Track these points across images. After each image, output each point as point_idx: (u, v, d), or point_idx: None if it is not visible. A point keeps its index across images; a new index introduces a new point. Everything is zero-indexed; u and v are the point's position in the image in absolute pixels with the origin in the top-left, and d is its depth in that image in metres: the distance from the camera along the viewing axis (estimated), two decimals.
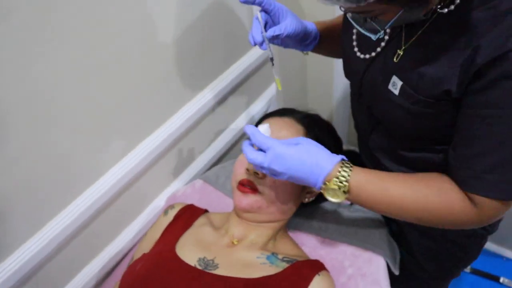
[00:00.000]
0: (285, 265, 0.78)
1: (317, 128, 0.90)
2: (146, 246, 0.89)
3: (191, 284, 0.73)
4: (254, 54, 1.25)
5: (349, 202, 0.95)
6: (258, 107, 1.35)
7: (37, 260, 0.79)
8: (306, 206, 0.94)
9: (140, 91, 0.92)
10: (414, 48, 0.66)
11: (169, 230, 0.89)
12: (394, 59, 0.69)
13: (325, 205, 0.99)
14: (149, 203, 1.06)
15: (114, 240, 0.98)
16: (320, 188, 0.70)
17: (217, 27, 1.09)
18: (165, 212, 0.95)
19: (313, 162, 0.68)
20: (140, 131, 0.96)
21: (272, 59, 0.79)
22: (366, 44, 0.75)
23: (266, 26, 0.78)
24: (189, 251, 0.81)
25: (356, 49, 0.77)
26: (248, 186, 0.82)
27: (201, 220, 0.91)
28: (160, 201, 1.07)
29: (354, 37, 0.78)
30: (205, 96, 1.10)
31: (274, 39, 0.78)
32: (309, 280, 0.75)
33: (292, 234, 0.95)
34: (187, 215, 0.92)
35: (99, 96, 0.83)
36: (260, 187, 0.82)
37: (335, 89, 1.59)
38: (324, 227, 0.94)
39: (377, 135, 0.84)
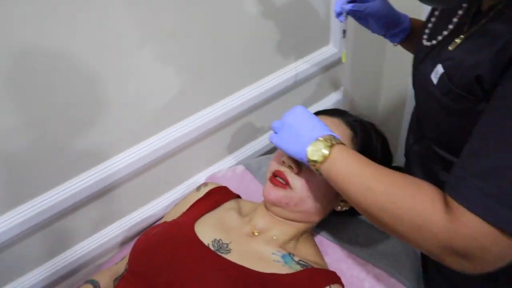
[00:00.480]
0: (298, 268, 0.75)
1: (366, 136, 0.85)
2: (170, 217, 0.91)
3: (198, 262, 0.73)
4: (331, 49, 1.22)
5: None
6: (326, 104, 1.31)
7: (75, 200, 0.86)
8: (340, 215, 0.89)
9: (217, 57, 0.97)
10: (472, 38, 0.61)
11: (196, 206, 0.90)
12: (450, 48, 0.64)
13: (359, 219, 0.92)
14: (190, 177, 1.08)
15: (148, 204, 1.02)
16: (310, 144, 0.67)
17: (302, 15, 1.10)
18: (198, 188, 0.96)
19: (314, 122, 0.71)
20: (202, 99, 1.00)
21: (344, 31, 0.87)
22: (434, 33, 0.72)
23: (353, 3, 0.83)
24: (207, 229, 0.81)
25: (425, 36, 0.75)
26: (280, 179, 0.80)
27: (230, 203, 0.91)
28: (200, 178, 1.09)
29: (429, 25, 0.76)
30: (273, 81, 1.10)
31: (352, 14, 0.84)
32: None
33: (318, 241, 0.90)
34: (218, 196, 0.92)
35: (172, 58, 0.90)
36: (292, 182, 0.79)
37: (408, 100, 1.49)
38: (354, 241, 0.88)
39: (419, 147, 0.80)
